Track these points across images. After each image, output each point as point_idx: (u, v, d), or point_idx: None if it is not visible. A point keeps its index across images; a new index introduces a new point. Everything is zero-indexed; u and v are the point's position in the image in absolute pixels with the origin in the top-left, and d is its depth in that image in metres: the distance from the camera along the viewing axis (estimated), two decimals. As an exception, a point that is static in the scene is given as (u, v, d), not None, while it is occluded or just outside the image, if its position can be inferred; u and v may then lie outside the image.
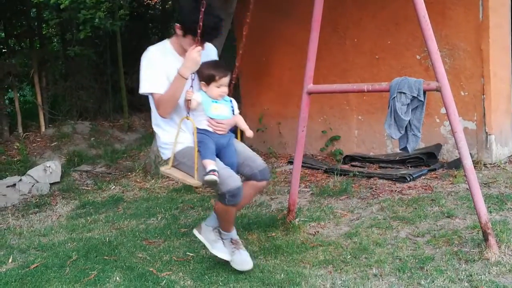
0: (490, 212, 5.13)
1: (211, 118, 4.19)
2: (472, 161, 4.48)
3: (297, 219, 5.31)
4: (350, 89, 5.57)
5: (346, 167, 7.54)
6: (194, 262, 4.62)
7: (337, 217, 5.56)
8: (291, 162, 7.55)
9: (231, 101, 4.34)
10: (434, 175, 6.77)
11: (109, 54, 11.88)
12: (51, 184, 7.71)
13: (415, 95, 4.49)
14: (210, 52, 4.39)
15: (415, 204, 5.70)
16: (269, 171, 4.42)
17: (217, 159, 4.14)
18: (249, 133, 4.37)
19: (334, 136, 8.29)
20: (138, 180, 7.71)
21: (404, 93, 4.52)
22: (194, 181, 4.12)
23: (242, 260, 4.32)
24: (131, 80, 11.83)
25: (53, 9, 9.72)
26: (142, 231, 5.57)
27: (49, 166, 7.86)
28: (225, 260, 4.35)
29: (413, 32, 7.06)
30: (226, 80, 4.21)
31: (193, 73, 4.13)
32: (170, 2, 14.20)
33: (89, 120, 11.13)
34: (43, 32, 11.70)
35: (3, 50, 11.54)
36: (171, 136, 4.22)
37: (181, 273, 4.41)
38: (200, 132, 4.16)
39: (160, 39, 14.23)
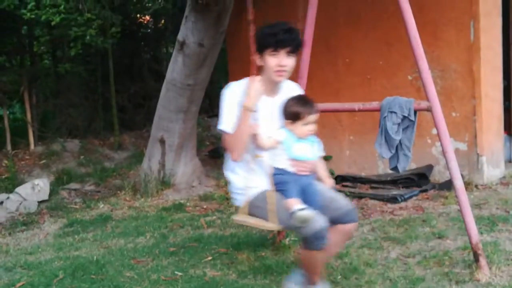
0: (481, 233, 5.11)
1: (293, 159, 3.80)
2: (464, 182, 4.46)
3: (287, 239, 5.27)
4: (341, 108, 5.57)
5: (337, 187, 7.50)
6: (183, 282, 4.54)
7: (327, 237, 5.51)
8: (281, 182, 7.52)
9: (316, 142, 3.92)
10: (425, 196, 6.76)
11: (100, 72, 11.85)
12: (39, 202, 7.62)
13: (406, 115, 4.48)
14: (292, 88, 4.08)
15: (406, 225, 5.67)
16: (356, 212, 4.06)
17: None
18: (329, 182, 4.01)
19: (325, 156, 8.21)
20: (127, 198, 7.65)
21: (395, 112, 4.51)
22: (270, 224, 3.79)
23: None
24: (122, 98, 11.81)
25: (44, 26, 9.72)
26: (130, 250, 5.50)
27: (38, 184, 7.78)
28: None
29: (405, 52, 7.06)
30: (314, 117, 3.81)
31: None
32: (162, 21, 14.21)
33: (79, 138, 11.06)
34: (34, 49, 11.67)
35: (-7, 67, 11.50)
36: (245, 181, 3.90)
37: (169, 293, 4.35)
38: (279, 173, 3.81)
39: (152, 58, 14.35)
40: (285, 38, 3.76)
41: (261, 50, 3.82)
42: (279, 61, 3.77)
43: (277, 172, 3.81)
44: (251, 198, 3.87)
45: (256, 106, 3.78)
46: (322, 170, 4.01)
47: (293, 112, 3.79)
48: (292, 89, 4.04)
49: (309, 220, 3.56)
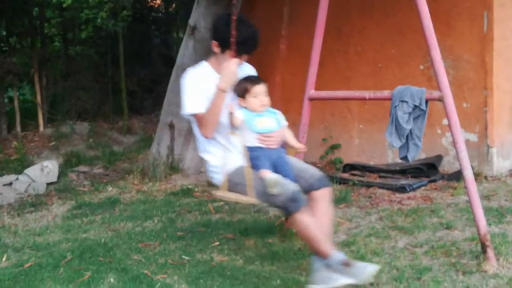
0: (490, 224, 5.08)
1: (258, 133, 4.05)
2: (473, 173, 4.44)
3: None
4: (352, 96, 5.54)
5: (346, 175, 7.49)
6: (190, 266, 4.56)
7: (335, 225, 5.49)
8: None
9: (276, 113, 4.22)
10: (434, 186, 6.73)
11: (110, 55, 11.85)
12: (48, 184, 7.67)
13: (417, 104, 4.45)
14: (247, 71, 4.33)
15: (414, 215, 5.65)
16: (326, 178, 4.22)
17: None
18: (299, 146, 4.31)
19: (334, 144, 8.25)
20: (135, 182, 7.66)
21: (406, 101, 4.49)
22: (249, 199, 4.00)
23: (361, 270, 3.81)
24: (132, 82, 11.82)
25: (55, 8, 9.71)
26: (138, 233, 5.52)
27: (46, 166, 7.82)
28: (353, 284, 3.87)
29: (417, 41, 7.02)
30: (260, 88, 4.09)
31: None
32: (173, 5, 14.18)
33: (88, 121, 11.09)
34: (45, 31, 11.66)
35: (4, 48, 11.50)
36: (221, 159, 4.12)
37: (176, 277, 4.36)
38: (252, 150, 4.04)
39: (162, 42, 14.33)
40: (251, 48, 4.13)
41: (223, 46, 4.12)
42: (240, 61, 4.14)
43: (249, 150, 4.04)
44: (229, 175, 4.07)
45: (230, 87, 4.06)
46: (290, 137, 4.26)
47: (240, 89, 4.08)
48: (247, 69, 4.34)
49: (279, 183, 3.81)
